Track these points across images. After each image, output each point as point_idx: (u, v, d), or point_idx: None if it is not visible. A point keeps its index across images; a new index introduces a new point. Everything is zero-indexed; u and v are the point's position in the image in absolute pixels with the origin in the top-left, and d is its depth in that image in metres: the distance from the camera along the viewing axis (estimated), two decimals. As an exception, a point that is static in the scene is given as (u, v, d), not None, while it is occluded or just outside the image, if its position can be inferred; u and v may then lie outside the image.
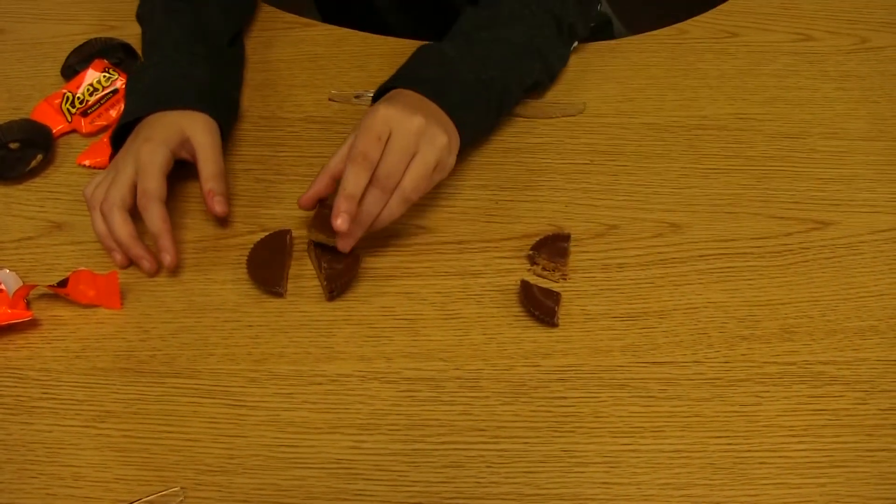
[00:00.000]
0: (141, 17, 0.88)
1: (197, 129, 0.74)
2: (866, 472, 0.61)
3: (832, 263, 0.74)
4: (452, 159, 0.72)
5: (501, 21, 0.81)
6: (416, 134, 0.67)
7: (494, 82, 0.77)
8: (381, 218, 0.68)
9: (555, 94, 0.87)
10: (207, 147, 0.73)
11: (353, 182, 0.65)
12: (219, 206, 0.72)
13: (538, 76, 0.84)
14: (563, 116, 0.84)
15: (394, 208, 0.68)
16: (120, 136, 0.75)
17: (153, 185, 0.70)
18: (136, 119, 0.75)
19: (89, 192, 0.72)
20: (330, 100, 0.86)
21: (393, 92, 0.73)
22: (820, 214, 0.77)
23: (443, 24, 0.84)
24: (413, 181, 0.67)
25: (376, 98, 0.74)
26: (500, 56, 0.79)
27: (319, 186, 0.70)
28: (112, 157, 0.75)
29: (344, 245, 0.67)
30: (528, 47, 0.81)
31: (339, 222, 0.65)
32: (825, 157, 0.82)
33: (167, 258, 0.70)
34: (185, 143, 0.73)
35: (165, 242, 0.70)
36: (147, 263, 0.71)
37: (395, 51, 0.91)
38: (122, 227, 0.70)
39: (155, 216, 0.69)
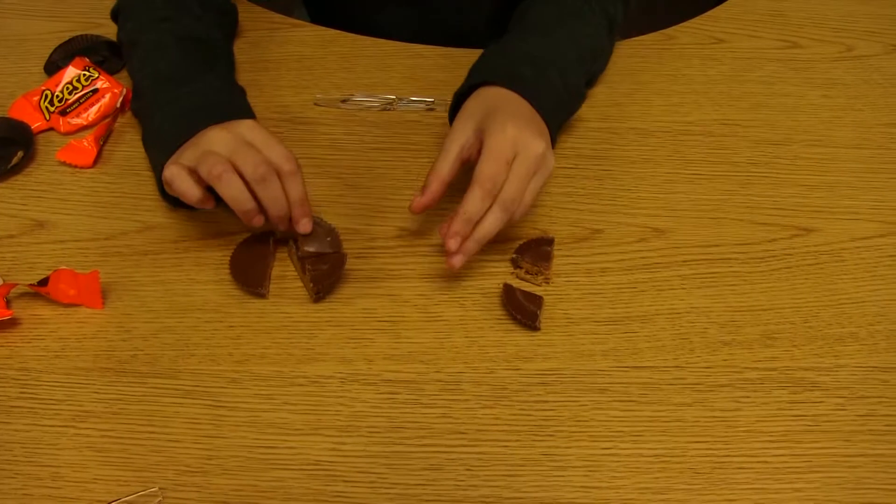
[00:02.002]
0: (136, 45, 0.80)
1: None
2: (843, 478, 0.62)
3: (814, 270, 0.74)
4: (553, 164, 0.71)
5: (567, 18, 0.81)
6: (537, 158, 0.67)
7: (571, 86, 0.78)
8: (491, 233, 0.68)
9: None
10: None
11: (478, 207, 0.66)
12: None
13: (595, 76, 0.86)
14: None
15: (498, 224, 0.68)
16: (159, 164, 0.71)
17: (288, 152, 0.68)
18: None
19: (205, 167, 0.65)
20: (315, 104, 0.86)
21: (496, 94, 0.72)
22: (803, 221, 0.78)
23: (444, 24, 0.83)
24: (527, 207, 0.69)
25: (471, 88, 0.74)
26: (574, 57, 0.79)
27: (435, 194, 0.68)
28: (158, 171, 0.71)
29: (456, 262, 0.67)
30: (593, 48, 0.83)
31: (452, 244, 0.66)
32: (809, 165, 0.83)
33: (309, 225, 0.69)
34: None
35: (308, 209, 0.69)
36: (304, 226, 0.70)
37: (383, 52, 0.91)
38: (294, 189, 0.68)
39: (301, 184, 0.68)
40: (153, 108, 0.73)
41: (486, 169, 0.66)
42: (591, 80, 0.86)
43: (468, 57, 0.90)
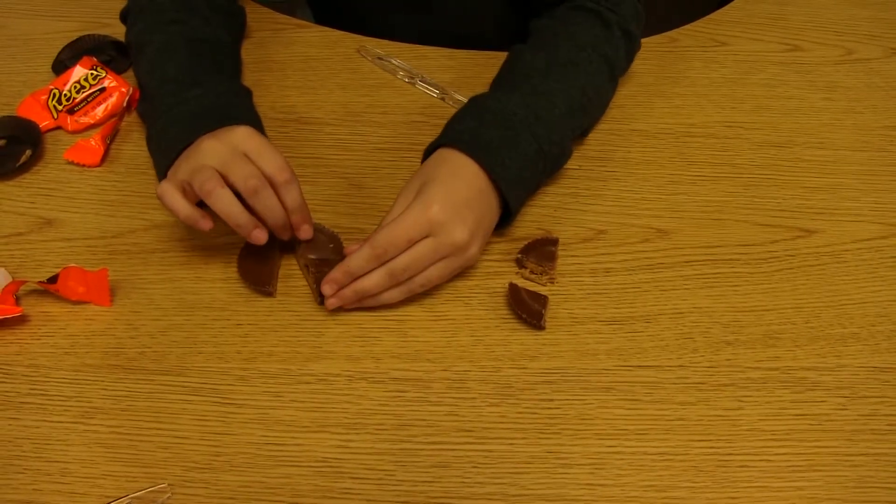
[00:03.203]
0: (145, 46, 0.80)
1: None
2: (845, 477, 0.62)
3: (816, 271, 0.75)
4: (477, 256, 0.70)
5: (559, 68, 0.77)
6: (453, 247, 0.67)
7: (553, 148, 0.74)
8: (378, 299, 0.68)
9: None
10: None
11: (361, 266, 0.66)
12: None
13: (589, 126, 0.83)
14: None
15: (395, 295, 0.68)
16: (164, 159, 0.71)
17: (282, 161, 0.68)
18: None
19: (196, 182, 0.65)
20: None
21: (451, 159, 0.70)
22: (805, 223, 0.78)
23: (450, 29, 0.83)
24: (427, 282, 0.68)
25: (433, 148, 0.73)
26: (561, 112, 0.75)
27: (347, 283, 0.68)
28: (162, 174, 0.71)
29: (329, 304, 0.68)
30: (587, 99, 0.79)
31: (326, 288, 0.67)
32: (811, 166, 0.83)
33: (310, 231, 0.70)
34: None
35: (308, 215, 0.69)
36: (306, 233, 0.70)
37: (388, 53, 0.91)
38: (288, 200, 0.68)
39: (298, 192, 0.68)
40: (159, 111, 0.73)
41: (384, 237, 0.65)
42: (585, 131, 0.83)
43: (472, 59, 0.91)
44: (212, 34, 0.81)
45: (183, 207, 0.65)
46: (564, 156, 0.77)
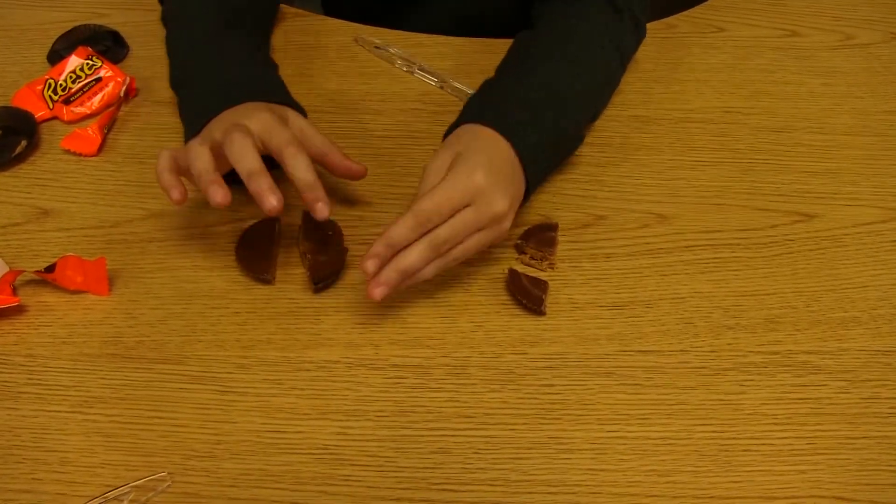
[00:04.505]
0: (179, 18, 0.82)
1: (293, 112, 0.72)
2: (848, 459, 0.62)
3: (816, 255, 0.75)
4: (507, 231, 0.69)
5: (574, 53, 0.78)
6: (493, 217, 0.65)
7: (570, 130, 0.75)
8: (417, 276, 0.65)
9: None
10: (313, 126, 0.72)
11: (404, 236, 0.62)
12: (356, 168, 0.72)
13: (599, 112, 0.83)
14: None
15: (431, 270, 0.65)
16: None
17: (291, 135, 0.65)
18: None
19: (191, 153, 0.63)
20: (355, 41, 0.90)
21: (482, 133, 0.69)
22: (804, 207, 0.78)
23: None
24: (464, 255, 0.66)
25: (455, 126, 0.72)
26: (576, 97, 0.76)
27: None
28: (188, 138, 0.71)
29: (377, 293, 0.62)
30: (599, 86, 0.80)
31: (370, 265, 0.61)
32: (810, 151, 0.83)
33: (325, 209, 0.64)
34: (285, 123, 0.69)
35: (322, 192, 0.64)
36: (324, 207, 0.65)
37: (385, 42, 0.91)
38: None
39: (308, 164, 0.64)
40: (189, 82, 0.74)
41: (427, 205, 0.62)
42: (594, 117, 0.83)
43: (470, 46, 0.91)
44: (245, 4, 0.81)
45: (204, 158, 0.62)
46: (579, 139, 0.78)
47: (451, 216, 0.63)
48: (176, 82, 0.78)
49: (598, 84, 0.80)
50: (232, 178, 0.64)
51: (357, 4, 0.99)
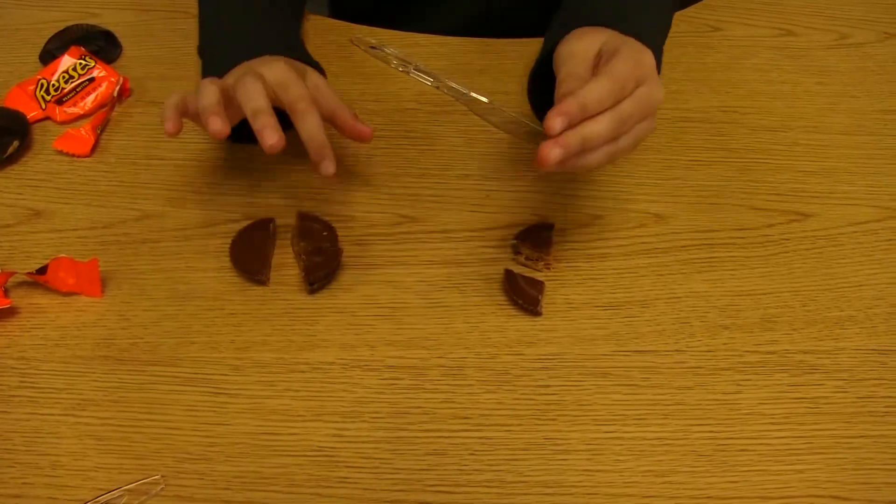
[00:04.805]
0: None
1: (312, 70, 0.72)
2: (844, 459, 0.62)
3: (812, 255, 0.74)
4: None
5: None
6: (656, 105, 0.61)
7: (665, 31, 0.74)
8: (583, 159, 0.58)
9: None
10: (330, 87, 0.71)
11: (599, 97, 0.56)
12: (364, 129, 0.70)
13: None
14: (535, 142, 0.81)
15: (599, 157, 0.59)
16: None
17: (306, 90, 0.64)
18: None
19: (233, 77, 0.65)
20: (351, 41, 0.88)
21: (628, 38, 0.63)
22: (801, 206, 0.78)
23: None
24: (633, 143, 0.61)
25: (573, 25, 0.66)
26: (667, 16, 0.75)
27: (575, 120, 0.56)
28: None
29: (553, 155, 0.55)
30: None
31: (557, 122, 0.54)
32: (806, 151, 0.83)
33: (331, 167, 0.65)
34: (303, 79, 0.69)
35: (329, 151, 0.64)
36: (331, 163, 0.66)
37: (380, 42, 0.90)
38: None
39: (317, 122, 0.64)
40: (213, 39, 0.75)
41: (623, 68, 0.57)
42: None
43: (465, 45, 0.91)
44: None
45: (211, 95, 0.62)
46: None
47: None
48: (202, 42, 0.77)
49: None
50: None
51: (365, 4, 0.99)
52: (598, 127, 0.56)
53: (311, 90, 0.68)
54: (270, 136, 0.60)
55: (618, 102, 0.57)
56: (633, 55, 0.59)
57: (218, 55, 0.73)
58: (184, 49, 0.89)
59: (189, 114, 0.65)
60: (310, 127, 0.64)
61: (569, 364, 0.66)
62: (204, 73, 0.74)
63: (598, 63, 0.61)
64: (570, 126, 0.55)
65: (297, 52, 0.73)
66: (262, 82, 0.63)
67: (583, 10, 0.68)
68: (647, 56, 0.61)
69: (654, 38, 0.66)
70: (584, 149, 0.57)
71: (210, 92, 0.62)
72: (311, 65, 0.73)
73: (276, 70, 0.66)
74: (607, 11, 0.67)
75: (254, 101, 0.62)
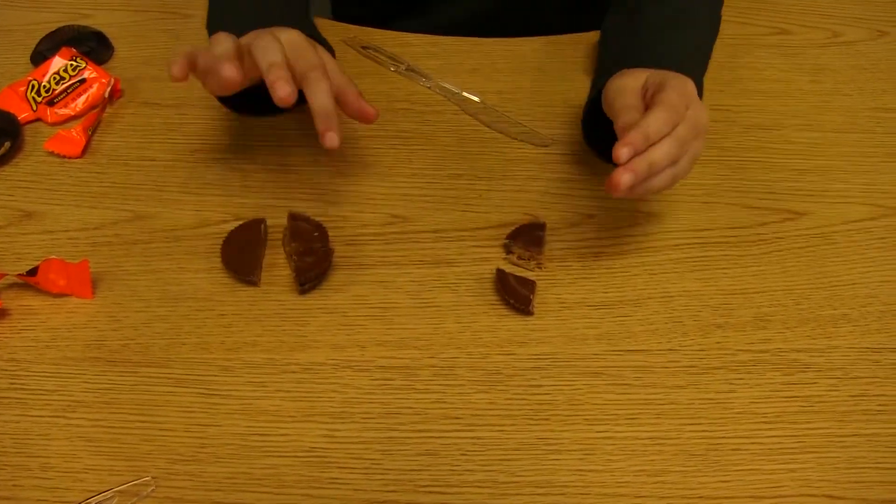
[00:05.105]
0: None
1: (323, 49, 0.71)
2: (837, 458, 0.62)
3: (806, 253, 0.74)
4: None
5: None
6: (704, 125, 0.66)
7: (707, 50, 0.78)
8: (648, 185, 0.63)
9: (532, 101, 0.86)
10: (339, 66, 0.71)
11: (659, 126, 0.61)
12: (369, 108, 0.70)
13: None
14: (526, 141, 0.82)
15: (664, 180, 0.64)
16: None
17: (319, 60, 0.65)
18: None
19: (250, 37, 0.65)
20: (343, 41, 0.88)
21: (669, 72, 0.68)
22: (794, 205, 0.78)
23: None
24: (692, 161, 0.65)
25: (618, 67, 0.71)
26: (707, 41, 0.80)
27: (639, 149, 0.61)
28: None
29: (625, 180, 0.60)
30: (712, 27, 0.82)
31: (624, 152, 0.59)
32: (799, 149, 0.83)
33: (336, 138, 0.64)
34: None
35: (335, 121, 0.64)
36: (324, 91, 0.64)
37: (374, 42, 0.90)
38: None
39: (328, 91, 0.64)
40: (224, 13, 0.76)
41: (673, 97, 0.63)
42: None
43: (457, 45, 0.90)
44: None
45: (226, 44, 0.63)
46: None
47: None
48: (210, 18, 0.77)
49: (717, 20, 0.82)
50: None
51: (368, 4, 0.99)
52: (661, 151, 0.62)
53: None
54: (283, 87, 0.60)
55: (674, 128, 0.62)
56: (678, 85, 0.65)
57: (228, 26, 0.72)
58: (176, 50, 0.88)
59: (198, 70, 0.64)
60: (321, 95, 0.63)
61: (561, 364, 0.66)
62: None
63: (645, 94, 0.66)
64: (636, 154, 0.60)
65: (309, 29, 0.73)
66: (279, 43, 0.63)
67: (627, 60, 0.72)
68: (689, 84, 0.66)
69: (693, 71, 0.71)
70: (651, 172, 0.62)
71: (225, 41, 0.63)
72: (321, 42, 0.73)
73: (292, 36, 0.66)
74: (650, 58, 0.71)
75: (270, 56, 0.62)
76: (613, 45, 0.80)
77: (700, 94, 0.71)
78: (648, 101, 0.66)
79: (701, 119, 0.65)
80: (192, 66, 0.63)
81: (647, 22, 0.78)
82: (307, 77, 0.64)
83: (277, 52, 0.62)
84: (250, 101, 0.70)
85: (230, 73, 0.60)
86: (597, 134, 0.75)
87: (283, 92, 0.60)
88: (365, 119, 0.71)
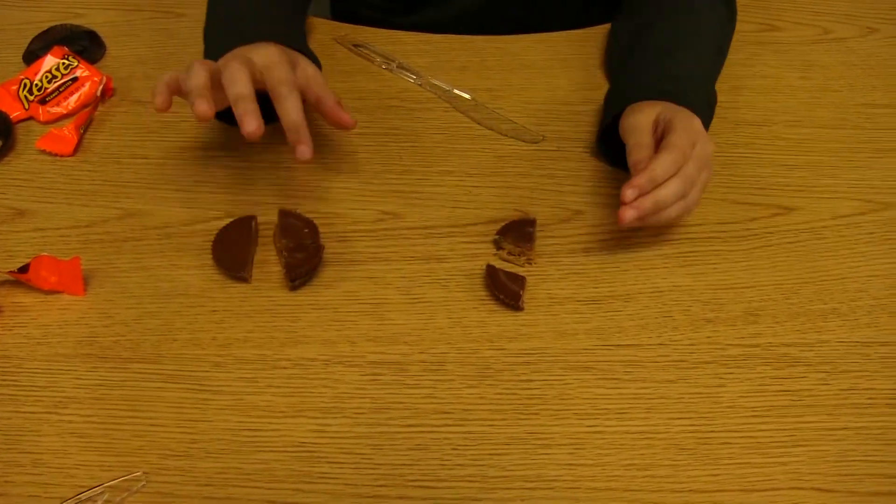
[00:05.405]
0: None
1: (306, 59, 0.74)
2: (827, 451, 0.62)
3: (795, 248, 0.74)
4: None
5: (695, 32, 0.83)
6: (710, 156, 0.71)
7: (712, 93, 0.80)
8: (660, 217, 0.68)
9: (522, 98, 0.86)
10: (320, 76, 0.73)
11: (665, 170, 0.66)
12: (346, 117, 0.72)
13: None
14: (516, 138, 0.82)
15: (676, 211, 0.68)
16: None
17: (290, 75, 0.67)
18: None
19: (223, 60, 0.67)
20: (335, 40, 0.88)
21: (662, 103, 0.73)
22: (784, 200, 0.78)
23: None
24: (698, 195, 0.70)
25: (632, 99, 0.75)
26: (713, 67, 0.83)
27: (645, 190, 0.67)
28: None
29: (628, 215, 0.66)
30: (718, 54, 0.85)
31: (629, 193, 0.65)
32: (789, 145, 0.83)
33: (307, 151, 0.66)
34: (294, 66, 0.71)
35: (305, 135, 0.66)
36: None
37: (364, 40, 0.91)
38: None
39: (296, 106, 0.66)
40: (214, 25, 0.78)
41: (680, 140, 0.67)
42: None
43: (448, 43, 0.91)
44: None
45: (200, 77, 0.63)
46: (715, 100, 0.80)
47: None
48: (206, 25, 0.79)
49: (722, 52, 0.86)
50: None
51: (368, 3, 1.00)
52: (667, 191, 0.66)
53: (301, 78, 0.70)
54: (250, 122, 0.63)
55: (679, 169, 0.67)
56: (685, 125, 0.70)
57: (217, 38, 0.75)
58: (168, 48, 0.89)
59: (181, 92, 0.66)
60: (289, 109, 0.66)
61: (551, 358, 0.66)
62: (205, 55, 0.75)
63: (656, 128, 0.71)
64: (642, 194, 0.66)
65: (293, 40, 0.74)
66: (247, 67, 0.65)
67: (638, 90, 0.76)
68: (696, 122, 0.71)
69: (700, 103, 0.75)
70: (657, 209, 0.67)
71: (198, 74, 0.63)
72: (306, 54, 0.74)
73: (264, 54, 0.68)
74: (657, 89, 0.75)
75: (237, 87, 0.64)
76: (625, 65, 0.83)
77: (710, 118, 0.77)
78: (658, 138, 0.71)
79: (706, 152, 0.70)
80: (176, 91, 0.66)
81: (657, 44, 0.82)
82: (277, 92, 0.66)
83: (244, 82, 0.64)
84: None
85: (201, 111, 0.62)
86: (611, 148, 0.78)
87: (249, 127, 0.63)
88: (342, 127, 0.73)
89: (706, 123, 0.75)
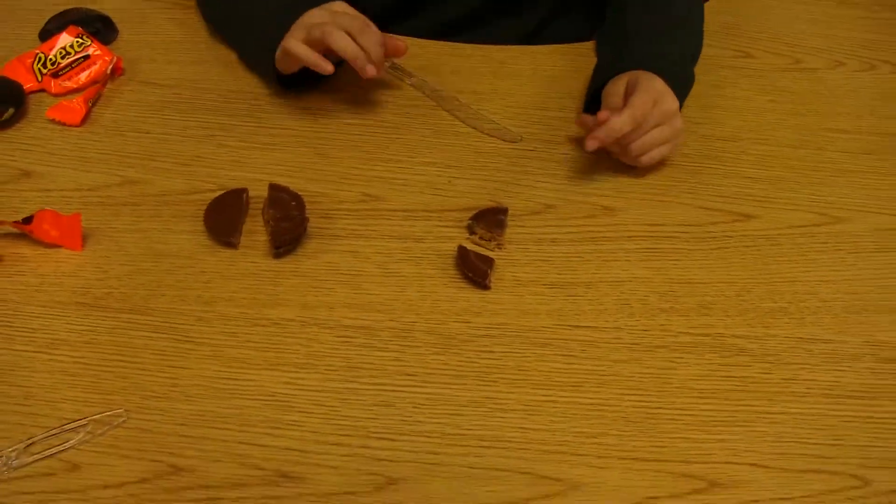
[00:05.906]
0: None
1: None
2: (764, 432, 0.66)
3: (751, 251, 0.79)
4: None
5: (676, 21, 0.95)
6: (668, 113, 0.81)
7: (689, 73, 0.91)
8: (649, 155, 0.82)
9: (506, 102, 0.92)
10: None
11: (623, 128, 0.77)
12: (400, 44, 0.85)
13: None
14: (497, 137, 0.88)
15: (662, 153, 0.83)
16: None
17: (361, 20, 0.82)
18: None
19: (317, 31, 0.79)
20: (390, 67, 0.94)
21: (644, 73, 0.83)
22: (744, 208, 0.83)
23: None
24: (650, 143, 0.81)
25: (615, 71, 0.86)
26: (693, 42, 0.95)
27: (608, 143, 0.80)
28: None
29: (590, 144, 0.78)
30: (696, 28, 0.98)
31: (590, 143, 0.78)
32: (754, 160, 0.88)
33: (372, 70, 0.80)
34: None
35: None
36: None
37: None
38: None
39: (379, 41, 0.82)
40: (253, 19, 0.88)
41: (638, 99, 0.79)
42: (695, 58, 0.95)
43: (438, 48, 0.96)
44: None
45: (308, 53, 0.79)
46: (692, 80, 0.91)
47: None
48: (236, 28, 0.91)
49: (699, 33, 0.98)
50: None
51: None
52: (617, 121, 0.77)
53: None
54: (371, 70, 0.80)
55: (637, 124, 0.79)
56: (646, 85, 0.81)
57: (271, 22, 0.84)
58: (176, 37, 0.94)
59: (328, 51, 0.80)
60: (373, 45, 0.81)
61: (512, 334, 0.71)
62: (270, 26, 0.84)
63: (627, 93, 0.82)
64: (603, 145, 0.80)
65: None
66: (342, 30, 0.79)
67: (620, 62, 0.88)
68: (657, 82, 0.82)
69: (671, 74, 0.84)
70: (610, 137, 0.78)
71: (348, 39, 0.79)
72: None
73: (341, 7, 0.83)
74: (637, 61, 0.86)
75: (351, 49, 0.79)
76: (606, 49, 0.96)
77: (687, 90, 0.89)
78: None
79: (670, 108, 0.81)
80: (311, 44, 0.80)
81: (632, 30, 0.93)
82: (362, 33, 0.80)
83: (349, 40, 0.79)
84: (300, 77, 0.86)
85: (372, 74, 0.80)
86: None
87: (371, 73, 0.80)
88: (398, 53, 0.86)
89: (679, 94, 0.83)
